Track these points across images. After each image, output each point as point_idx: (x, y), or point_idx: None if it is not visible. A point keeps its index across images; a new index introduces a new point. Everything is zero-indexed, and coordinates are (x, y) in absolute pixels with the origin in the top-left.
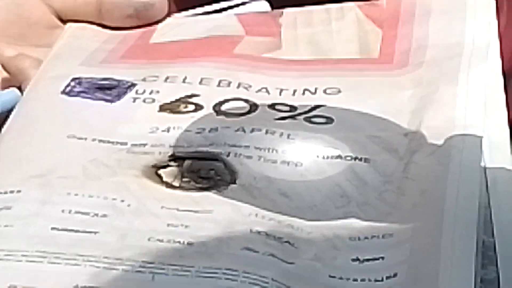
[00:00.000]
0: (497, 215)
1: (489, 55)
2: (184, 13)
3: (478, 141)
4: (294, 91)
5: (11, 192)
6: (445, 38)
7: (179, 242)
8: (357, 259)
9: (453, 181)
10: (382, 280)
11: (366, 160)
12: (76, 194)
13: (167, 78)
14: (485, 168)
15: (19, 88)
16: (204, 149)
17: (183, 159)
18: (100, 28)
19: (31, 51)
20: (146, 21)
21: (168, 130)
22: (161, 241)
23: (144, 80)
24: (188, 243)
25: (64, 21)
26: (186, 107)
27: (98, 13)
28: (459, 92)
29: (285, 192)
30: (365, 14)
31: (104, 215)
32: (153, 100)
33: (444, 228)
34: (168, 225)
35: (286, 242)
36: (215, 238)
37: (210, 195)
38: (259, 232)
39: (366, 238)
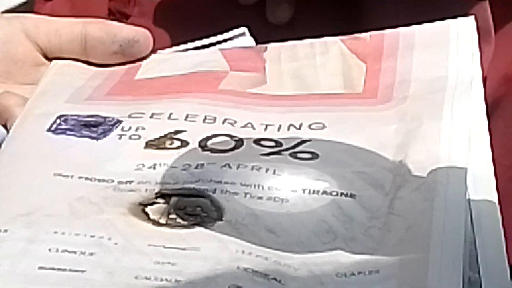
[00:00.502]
0: (482, 249)
1: (473, 88)
2: (168, 49)
3: (462, 175)
4: (279, 127)
5: None
6: (428, 72)
7: (166, 279)
8: None
9: (439, 216)
10: None
11: (352, 195)
12: (63, 233)
13: (152, 114)
14: (469, 201)
15: (4, 126)
16: (191, 185)
17: (170, 196)
18: (85, 65)
19: (16, 89)
20: (131, 57)
21: (154, 167)
22: (148, 278)
23: (130, 116)
24: (175, 280)
25: (49, 59)
26: (171, 143)
27: (83, 50)
28: (443, 126)
29: (272, 229)
30: (349, 48)
31: (91, 254)
32: (139, 137)
33: (430, 263)
34: (155, 262)
35: (273, 279)
36: (203, 275)
37: (197, 232)
38: (246, 269)
39: (352, 274)
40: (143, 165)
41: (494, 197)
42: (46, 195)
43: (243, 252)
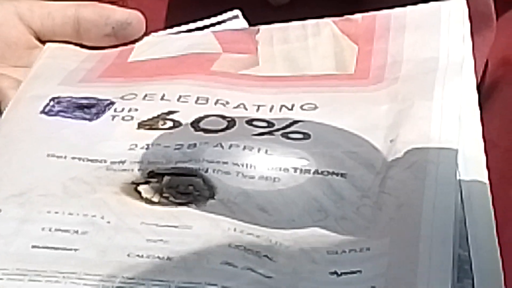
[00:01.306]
0: (472, 228)
1: (464, 69)
2: (161, 32)
3: (453, 155)
4: (272, 107)
5: None
6: (420, 53)
7: (158, 257)
8: (335, 273)
9: (430, 195)
10: None
11: (343, 175)
12: (56, 212)
13: (145, 96)
14: (460, 181)
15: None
16: (183, 165)
17: (162, 175)
18: (78, 48)
19: (10, 72)
20: (124, 40)
21: (147, 147)
22: (141, 256)
23: (122, 98)
24: (167, 258)
25: (42, 41)
26: (164, 123)
27: (76, 33)
28: (434, 106)
29: (264, 207)
30: (341, 30)
31: (84, 232)
32: (132, 118)
33: (421, 241)
34: (147, 240)
35: (264, 256)
36: (195, 253)
37: (189, 210)
38: (237, 246)
39: (343, 251)
40: (136, 145)
41: (485, 178)
42: (40, 176)
43: (234, 229)
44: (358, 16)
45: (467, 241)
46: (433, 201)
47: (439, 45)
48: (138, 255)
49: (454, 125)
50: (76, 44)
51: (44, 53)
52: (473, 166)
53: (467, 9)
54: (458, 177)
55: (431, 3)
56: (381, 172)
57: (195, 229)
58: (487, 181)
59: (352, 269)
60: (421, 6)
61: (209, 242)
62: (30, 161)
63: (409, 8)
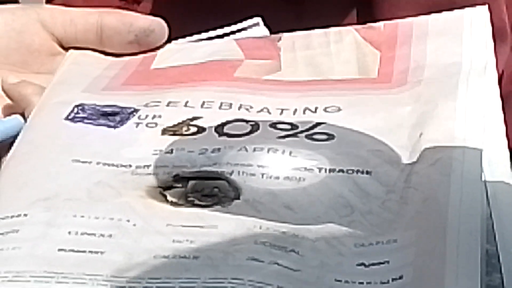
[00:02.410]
0: (499, 225)
1: (487, 73)
2: (184, 39)
3: (478, 153)
4: (295, 110)
5: (18, 215)
6: (443, 58)
7: (184, 256)
8: (363, 264)
9: (456, 189)
10: (388, 282)
11: (368, 172)
12: (82, 216)
13: (169, 103)
14: (485, 182)
15: (22, 115)
16: (208, 168)
17: (187, 179)
18: (101, 55)
19: (33, 78)
20: (147, 47)
21: (171, 152)
22: (167, 257)
23: (146, 105)
24: (194, 257)
25: (65, 48)
26: (188, 129)
27: (99, 40)
28: (458, 106)
29: (289, 205)
30: (363, 37)
31: (110, 235)
32: (156, 125)
33: (448, 233)
34: (173, 241)
35: (291, 251)
36: (220, 251)
37: (215, 211)
38: (264, 243)
39: (370, 244)
40: (161, 150)
41: (510, 178)
42: (65, 181)
43: (260, 227)
44: (380, 24)
45: (494, 238)
46: (459, 195)
47: (462, 51)
48: (164, 256)
49: (478, 125)
50: (98, 51)
51: (67, 59)
52: (498, 168)
53: (489, 16)
54: (483, 178)
55: (454, 11)
56: (406, 169)
57: (221, 228)
58: None
59: (380, 260)
60: (443, 14)
61: (234, 240)
62: (55, 167)
63: (432, 16)
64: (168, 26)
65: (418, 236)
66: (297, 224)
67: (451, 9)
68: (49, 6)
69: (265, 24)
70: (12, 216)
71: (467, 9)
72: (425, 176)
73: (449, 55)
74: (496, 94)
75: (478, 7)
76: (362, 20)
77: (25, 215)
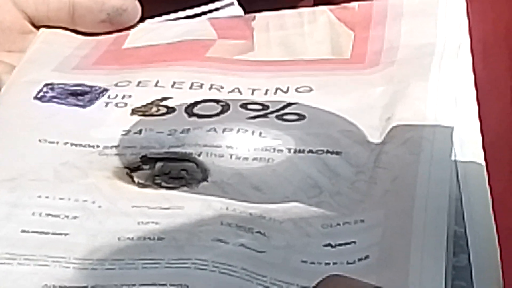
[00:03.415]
0: (467, 205)
1: (460, 53)
2: (157, 18)
3: (448, 132)
4: (266, 91)
5: None
6: (416, 39)
7: (149, 238)
8: (329, 245)
9: (424, 169)
10: (354, 262)
11: (337, 153)
12: (47, 197)
13: (139, 82)
14: (456, 162)
15: None
16: (176, 149)
17: (155, 161)
18: (73, 34)
19: (4, 56)
20: (119, 26)
21: (140, 132)
22: (131, 239)
23: (116, 85)
24: (158, 238)
25: (37, 27)
26: (158, 110)
27: (71, 18)
28: (430, 87)
29: (257, 186)
30: (337, 17)
31: (75, 217)
32: (125, 104)
33: (415, 213)
34: (138, 223)
35: (257, 232)
36: (186, 232)
37: (181, 192)
38: (229, 224)
39: (338, 224)
40: (129, 131)
41: (481, 159)
42: (31, 161)
43: (227, 209)
44: (354, 4)
45: (463, 219)
46: (427, 174)
47: (436, 32)
48: (128, 238)
49: (450, 105)
50: (70, 30)
51: (38, 38)
52: (469, 148)
53: None
54: (454, 158)
55: None
56: (376, 149)
57: (186, 209)
58: (483, 162)
59: (347, 241)
60: None
61: (200, 221)
62: (22, 147)
63: None
64: (141, 4)
65: (385, 216)
66: (264, 204)
67: None
68: None
69: (240, 4)
70: None
71: None
72: (395, 156)
73: (423, 36)
74: (470, 75)
75: None
76: None
77: None
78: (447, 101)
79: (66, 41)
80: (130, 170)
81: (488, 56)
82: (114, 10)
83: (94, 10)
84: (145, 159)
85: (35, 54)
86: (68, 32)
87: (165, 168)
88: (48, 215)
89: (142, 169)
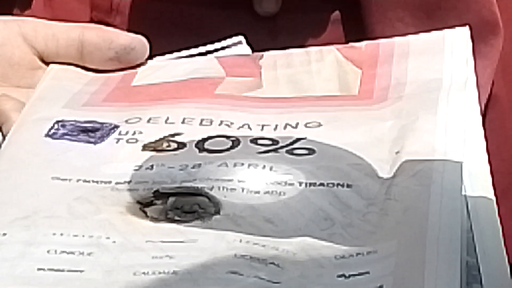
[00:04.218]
0: (479, 237)
1: (467, 88)
2: (165, 56)
3: (458, 164)
4: (276, 126)
5: None
6: (423, 75)
7: (164, 272)
8: (343, 275)
9: (435, 200)
10: None
11: (348, 186)
12: (61, 234)
13: (149, 119)
14: (465, 196)
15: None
16: (188, 184)
17: (167, 195)
18: (82, 70)
19: (13, 92)
20: (127, 64)
21: (151, 167)
22: (146, 273)
23: (127, 122)
24: (173, 272)
25: (46, 62)
26: (169, 145)
27: (80, 55)
28: (438, 120)
29: (270, 219)
30: (344, 56)
31: (90, 253)
32: (136, 140)
33: (428, 242)
34: (153, 257)
35: (271, 263)
36: (200, 265)
37: (195, 225)
38: (243, 256)
39: (351, 255)
40: (141, 166)
41: (491, 193)
42: (45, 198)
43: (240, 241)
44: (361, 43)
45: (474, 250)
46: (439, 205)
47: (443, 68)
48: (144, 273)
49: (459, 138)
50: (79, 67)
51: (48, 74)
52: (479, 181)
53: (469, 36)
54: (464, 192)
55: (434, 32)
56: (386, 182)
57: (200, 242)
58: (493, 196)
59: (360, 271)
60: (424, 34)
61: (214, 254)
62: (35, 184)
63: (412, 36)
64: (149, 42)
65: (398, 246)
66: (278, 237)
67: (438, 8)
68: (31, 19)
69: (247, 43)
70: None
71: (447, 30)
72: (405, 188)
73: (430, 72)
74: (477, 109)
75: (459, 28)
76: (348, 28)
77: (4, 234)
78: (456, 134)
79: (76, 77)
80: (143, 205)
81: None
82: (122, 48)
83: (103, 48)
84: (158, 194)
85: (45, 91)
86: (77, 69)
87: (178, 202)
88: (63, 252)
89: (155, 204)
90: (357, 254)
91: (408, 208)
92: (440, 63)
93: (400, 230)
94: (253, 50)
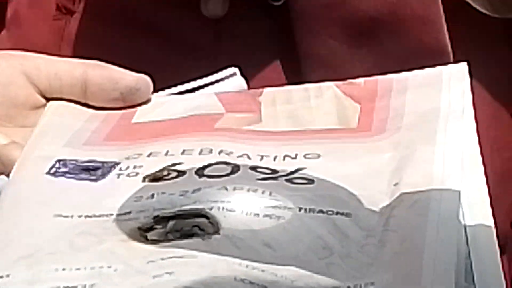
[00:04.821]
0: (478, 265)
1: (465, 118)
2: (162, 92)
3: (456, 193)
4: (275, 157)
5: (1, 277)
6: (421, 106)
7: None
8: None
9: (432, 228)
10: None
11: (347, 214)
12: (63, 269)
13: (150, 154)
14: (465, 226)
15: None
16: (188, 207)
17: (167, 219)
18: (82, 107)
19: (17, 132)
20: (131, 103)
21: (152, 196)
22: None
23: (127, 158)
24: None
25: (48, 99)
26: (168, 174)
27: (84, 94)
28: (436, 151)
29: (269, 243)
30: (343, 92)
31: (92, 285)
32: (137, 174)
33: (424, 273)
34: (154, 277)
35: None
36: (200, 283)
37: (194, 242)
38: (243, 280)
39: (348, 287)
40: (141, 197)
41: (490, 221)
42: (47, 236)
43: (240, 264)
44: (360, 80)
45: (472, 278)
46: (435, 234)
47: (440, 98)
48: None
49: (456, 167)
50: (82, 104)
51: (48, 110)
52: (478, 209)
53: (467, 70)
54: (463, 219)
55: (433, 68)
56: (385, 213)
57: (200, 259)
58: (492, 225)
59: None
60: (423, 70)
61: (214, 273)
62: (37, 223)
63: (411, 72)
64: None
65: (395, 278)
66: (276, 263)
67: (375, 28)
68: (32, 55)
69: (242, 74)
70: None
71: (446, 66)
72: (403, 219)
73: (427, 102)
74: (475, 139)
75: (458, 64)
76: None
77: (8, 275)
78: (453, 163)
79: (76, 113)
80: (144, 231)
81: None
82: (127, 89)
83: (107, 88)
84: (158, 219)
85: (46, 127)
86: (77, 106)
87: (178, 225)
88: (65, 287)
89: (155, 228)
90: (355, 285)
91: (405, 239)
92: (438, 94)
93: (397, 262)
94: (197, 53)
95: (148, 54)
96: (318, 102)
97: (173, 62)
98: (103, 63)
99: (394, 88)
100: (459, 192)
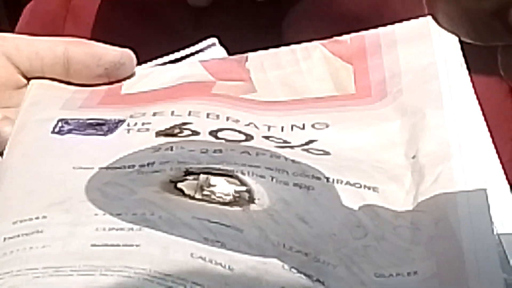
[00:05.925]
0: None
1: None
2: (145, 64)
3: (476, 160)
4: (282, 128)
5: (37, 218)
6: (416, 62)
7: (220, 264)
8: None
9: (463, 204)
10: None
11: (374, 189)
12: (103, 214)
13: (154, 113)
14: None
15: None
16: (216, 166)
17: (198, 174)
18: (64, 85)
19: (1, 112)
20: (116, 78)
21: (171, 149)
22: (204, 259)
23: (131, 117)
24: (229, 268)
25: (29, 79)
26: (181, 132)
27: (66, 72)
28: (446, 114)
29: (303, 217)
30: (331, 51)
31: (140, 229)
32: (147, 129)
33: (466, 257)
34: (205, 239)
35: (316, 280)
36: (253, 268)
37: (236, 212)
38: (291, 269)
39: (391, 275)
40: (159, 148)
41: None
42: (72, 186)
43: (284, 246)
44: (346, 37)
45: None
46: (468, 212)
47: (434, 51)
48: (201, 257)
49: (470, 132)
50: (64, 82)
51: (31, 88)
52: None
53: None
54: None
55: (418, 19)
56: (410, 191)
57: (246, 234)
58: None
59: None
60: (409, 22)
61: (263, 257)
62: (58, 174)
63: (397, 25)
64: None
65: (438, 266)
66: (315, 242)
67: (360, 23)
68: (11, 35)
69: (221, 43)
70: (30, 219)
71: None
72: (430, 197)
73: (422, 57)
74: (473, 96)
75: None
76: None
77: (44, 217)
78: (466, 127)
79: (61, 88)
80: (176, 183)
81: None
82: (112, 65)
83: (91, 65)
84: (189, 173)
85: (37, 97)
86: (60, 84)
87: (210, 181)
88: (112, 229)
89: (187, 179)
90: (397, 274)
91: (438, 220)
92: (430, 47)
93: (436, 246)
94: (181, 42)
95: (132, 35)
96: (308, 64)
97: (155, 44)
98: (84, 40)
99: (382, 43)
100: (479, 158)
